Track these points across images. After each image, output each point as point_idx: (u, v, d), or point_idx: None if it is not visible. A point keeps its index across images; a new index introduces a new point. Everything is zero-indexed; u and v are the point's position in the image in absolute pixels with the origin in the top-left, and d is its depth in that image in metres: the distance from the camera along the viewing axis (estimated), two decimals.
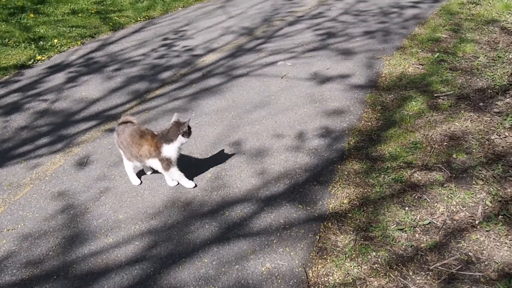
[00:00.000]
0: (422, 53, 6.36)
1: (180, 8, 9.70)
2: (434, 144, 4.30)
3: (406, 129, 4.55)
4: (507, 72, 5.63)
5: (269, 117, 4.89)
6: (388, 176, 3.89)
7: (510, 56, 6.14)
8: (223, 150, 4.38)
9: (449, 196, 3.63)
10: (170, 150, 3.61)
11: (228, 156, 4.28)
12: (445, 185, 3.76)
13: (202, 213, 3.57)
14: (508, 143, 4.26)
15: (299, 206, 3.61)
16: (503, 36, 6.93)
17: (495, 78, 5.52)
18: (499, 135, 4.38)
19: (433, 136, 4.43)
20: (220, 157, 4.26)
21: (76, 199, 3.79)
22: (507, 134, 4.37)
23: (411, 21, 7.92)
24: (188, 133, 3.63)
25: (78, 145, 4.61)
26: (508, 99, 5.00)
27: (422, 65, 5.97)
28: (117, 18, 8.74)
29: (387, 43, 6.85)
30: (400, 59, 6.17)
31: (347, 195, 3.72)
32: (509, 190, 3.67)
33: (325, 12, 8.55)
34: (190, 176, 3.91)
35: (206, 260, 3.11)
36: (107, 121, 5.03)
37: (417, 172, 3.93)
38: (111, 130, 4.77)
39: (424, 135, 4.45)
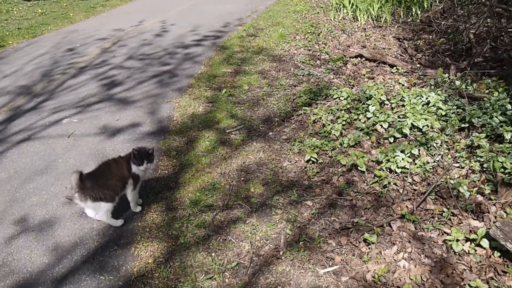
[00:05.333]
0: (210, 90, 6.44)
1: None
2: (232, 182, 4.29)
3: (203, 171, 4.48)
4: (289, 98, 5.99)
5: (57, 183, 4.38)
6: (191, 224, 3.74)
7: (290, 82, 6.56)
8: (6, 231, 3.77)
9: (253, 232, 3.63)
10: (136, 169, 3.75)
11: (14, 237, 3.69)
12: (247, 222, 3.75)
13: None
14: (298, 167, 4.45)
15: (101, 277, 3.27)
16: (282, 63, 7.43)
17: (279, 105, 5.81)
18: (290, 161, 4.57)
19: (230, 173, 4.43)
20: (4, 241, 3.66)
21: None
22: (297, 159, 4.58)
23: (197, 58, 8.02)
24: (139, 160, 3.71)
25: None
26: (293, 125, 5.28)
27: (212, 102, 6.02)
28: None
29: (175, 84, 6.78)
30: (190, 99, 6.14)
31: (151, 253, 3.47)
32: (305, 214, 3.80)
33: (110, 60, 8.21)
34: None
35: None
36: None
37: (219, 213, 3.86)
38: None
39: (221, 173, 4.42)
